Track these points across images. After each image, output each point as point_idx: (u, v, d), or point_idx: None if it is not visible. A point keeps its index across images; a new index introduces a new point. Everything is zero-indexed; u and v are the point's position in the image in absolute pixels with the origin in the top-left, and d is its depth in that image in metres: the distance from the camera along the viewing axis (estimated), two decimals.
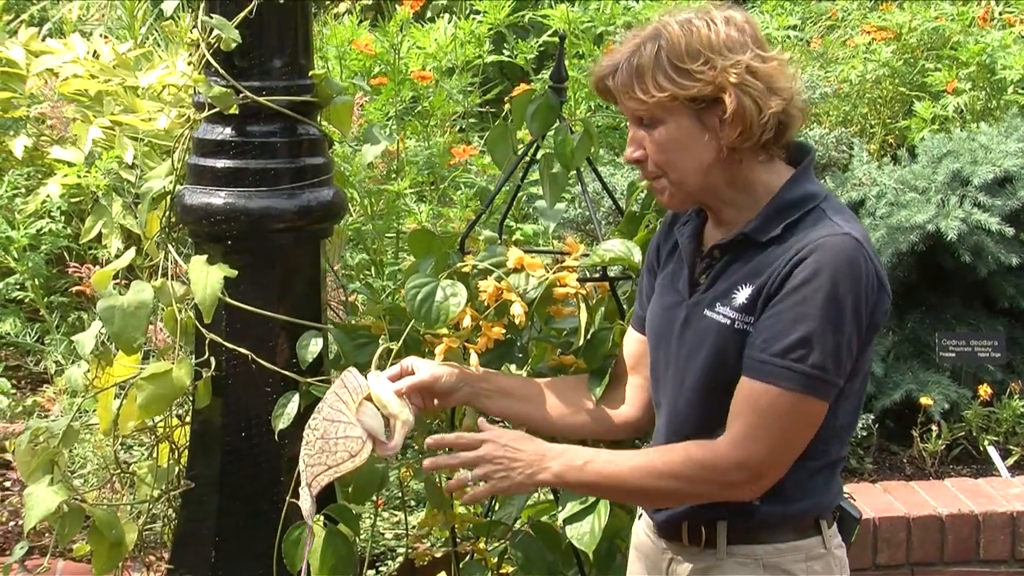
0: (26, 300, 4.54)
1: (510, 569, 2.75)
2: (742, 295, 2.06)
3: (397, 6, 5.03)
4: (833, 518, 2.16)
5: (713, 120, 2.05)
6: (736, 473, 2.03)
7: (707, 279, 2.12)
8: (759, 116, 2.04)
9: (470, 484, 2.11)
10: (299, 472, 2.32)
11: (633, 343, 2.36)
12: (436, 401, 2.37)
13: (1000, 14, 5.67)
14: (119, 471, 2.91)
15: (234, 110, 2.60)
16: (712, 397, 2.08)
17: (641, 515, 2.29)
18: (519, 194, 3.33)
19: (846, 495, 2.21)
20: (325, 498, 2.40)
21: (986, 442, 4.14)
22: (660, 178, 2.10)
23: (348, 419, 2.26)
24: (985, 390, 4.13)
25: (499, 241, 2.69)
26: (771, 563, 2.10)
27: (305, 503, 2.28)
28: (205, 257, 2.60)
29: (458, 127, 5.21)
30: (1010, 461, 4.11)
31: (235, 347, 2.62)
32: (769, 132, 2.06)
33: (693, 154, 2.07)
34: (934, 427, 4.08)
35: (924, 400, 4.08)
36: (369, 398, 2.28)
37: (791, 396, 1.99)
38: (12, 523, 3.63)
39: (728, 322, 2.06)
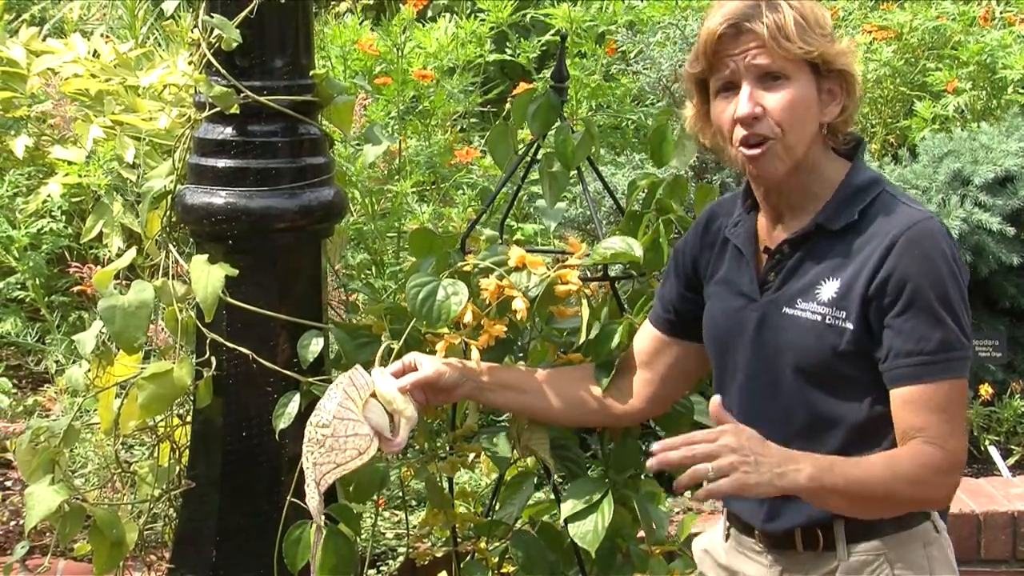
0: (27, 300, 4.54)
1: (511, 569, 2.74)
2: (828, 289, 2.04)
3: (401, 6, 5.02)
4: None
5: (823, 93, 2.05)
6: (958, 474, 2.02)
7: (778, 276, 2.09)
8: (855, 98, 2.07)
9: (708, 479, 1.89)
10: (302, 470, 2.32)
11: (647, 339, 2.34)
12: (439, 396, 2.37)
13: (1001, 13, 5.67)
14: (120, 471, 2.90)
15: (235, 110, 2.60)
16: (812, 396, 2.05)
17: (729, 534, 2.22)
18: (520, 194, 3.32)
19: None
20: (327, 498, 2.40)
21: (987, 442, 4.13)
22: (771, 141, 2.04)
23: (356, 417, 2.27)
24: (986, 390, 4.12)
25: (500, 241, 2.69)
26: (894, 557, 2.06)
27: (313, 500, 2.28)
28: (206, 257, 2.59)
29: (459, 127, 5.20)
30: (1011, 461, 4.10)
31: (236, 347, 2.62)
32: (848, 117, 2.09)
33: (809, 120, 2.05)
34: None
35: None
36: (374, 394, 2.29)
37: (958, 383, 2.01)
38: (13, 523, 3.63)
39: (818, 318, 2.03)
